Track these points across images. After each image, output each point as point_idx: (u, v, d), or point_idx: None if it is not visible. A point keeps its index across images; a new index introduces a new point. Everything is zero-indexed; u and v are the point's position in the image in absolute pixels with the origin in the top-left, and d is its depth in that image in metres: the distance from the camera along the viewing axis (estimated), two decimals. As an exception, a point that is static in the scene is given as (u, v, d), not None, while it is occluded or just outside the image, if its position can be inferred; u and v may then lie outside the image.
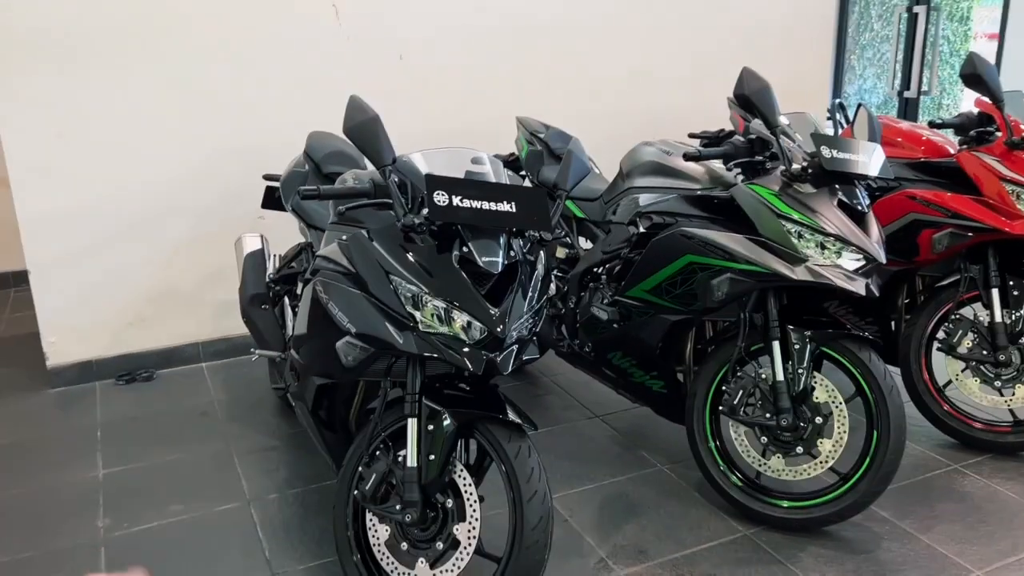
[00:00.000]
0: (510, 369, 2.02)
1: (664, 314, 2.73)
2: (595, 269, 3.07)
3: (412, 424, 2.09)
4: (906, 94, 7.66)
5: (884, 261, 2.45)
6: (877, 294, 2.47)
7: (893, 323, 3.38)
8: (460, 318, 1.97)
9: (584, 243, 3.41)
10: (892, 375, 2.52)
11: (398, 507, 2.10)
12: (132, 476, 3.03)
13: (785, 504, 2.59)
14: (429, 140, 4.18)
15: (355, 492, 2.20)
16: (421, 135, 4.15)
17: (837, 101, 7.58)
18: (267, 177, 3.44)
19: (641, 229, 2.79)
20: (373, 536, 2.20)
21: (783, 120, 2.75)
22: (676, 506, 2.76)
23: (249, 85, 3.83)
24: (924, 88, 7.59)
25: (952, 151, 3.13)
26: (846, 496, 2.52)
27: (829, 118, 7.17)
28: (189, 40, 3.70)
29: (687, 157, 2.57)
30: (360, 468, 2.19)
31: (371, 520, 2.20)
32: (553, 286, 3.39)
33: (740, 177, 2.67)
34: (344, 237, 2.18)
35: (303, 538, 2.63)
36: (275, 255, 3.41)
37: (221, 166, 3.86)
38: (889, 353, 3.31)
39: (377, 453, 2.18)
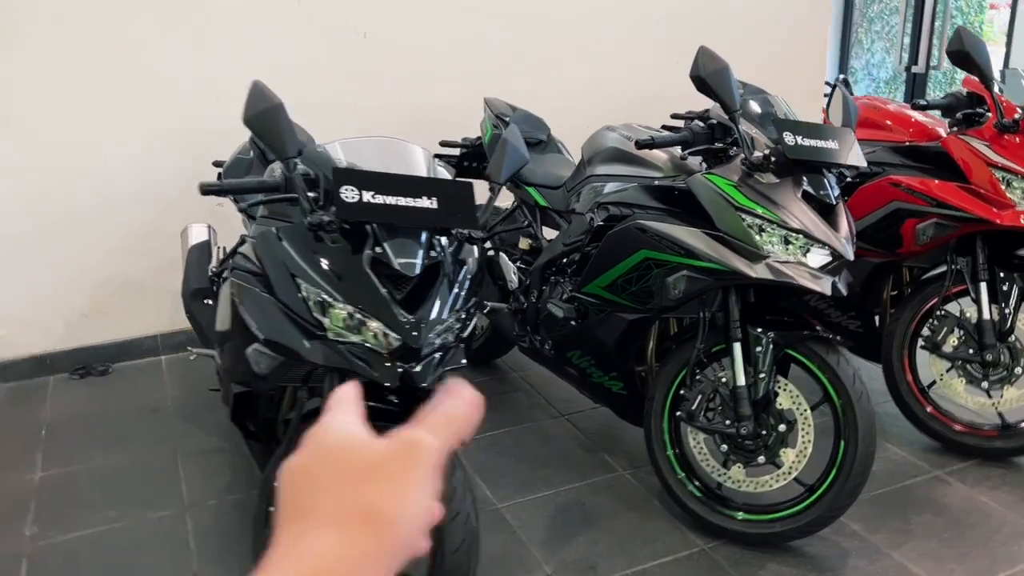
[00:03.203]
0: (428, 381, 1.86)
1: (620, 312, 2.55)
2: (559, 262, 2.90)
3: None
4: (914, 69, 7.37)
5: (852, 258, 2.26)
6: (844, 293, 2.27)
7: (878, 317, 3.18)
8: (372, 326, 1.81)
9: (549, 233, 3.23)
10: (863, 380, 2.33)
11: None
12: (70, 479, 2.90)
13: (739, 516, 2.42)
14: (393, 122, 3.99)
15: (271, 508, 2.04)
16: (385, 117, 3.97)
17: (842, 77, 7.32)
18: (216, 164, 3.27)
19: (598, 221, 2.60)
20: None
21: (755, 107, 2.55)
22: (633, 517, 2.60)
23: (202, 66, 3.65)
24: (933, 63, 7.29)
25: (944, 134, 2.91)
26: (810, 510, 2.34)
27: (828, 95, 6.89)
28: (135, 20, 3.52)
29: (639, 145, 2.38)
30: (274, 484, 2.04)
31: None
32: (516, 279, 3.21)
33: (705, 166, 2.48)
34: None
35: (237, 550, 2.48)
36: (222, 247, 3.25)
37: (175, 152, 3.69)
38: (873, 349, 3.12)
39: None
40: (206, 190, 1.87)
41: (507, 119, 3.41)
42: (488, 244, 3.42)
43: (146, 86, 3.59)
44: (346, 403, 0.53)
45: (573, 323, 2.70)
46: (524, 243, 3.26)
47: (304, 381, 2.05)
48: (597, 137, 2.81)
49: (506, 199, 3.42)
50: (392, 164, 2.04)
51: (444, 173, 2.09)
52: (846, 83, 7.24)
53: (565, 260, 2.84)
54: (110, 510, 2.70)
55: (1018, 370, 2.78)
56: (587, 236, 2.67)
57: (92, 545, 2.52)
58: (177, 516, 2.66)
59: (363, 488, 0.46)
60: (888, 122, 3.14)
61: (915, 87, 7.37)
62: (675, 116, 4.09)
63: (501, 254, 3.30)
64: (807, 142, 2.24)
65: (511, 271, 3.22)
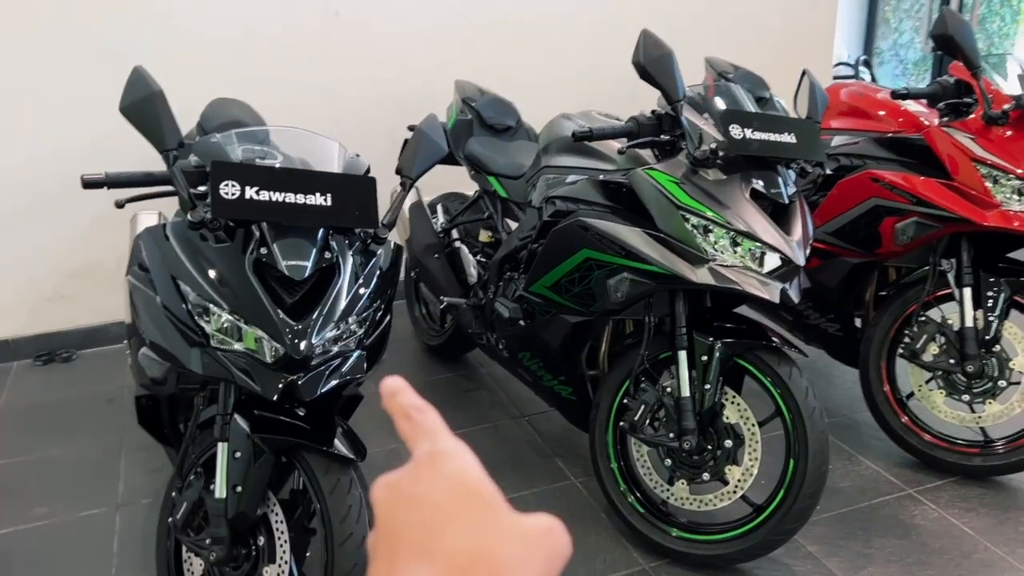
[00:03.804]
0: (318, 393, 1.73)
1: (565, 314, 2.39)
2: (515, 257, 2.74)
3: (222, 449, 1.81)
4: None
5: (803, 263, 2.07)
6: (796, 300, 2.09)
7: (859, 320, 2.98)
8: (254, 334, 1.68)
9: (514, 226, 3.07)
10: (816, 395, 2.15)
11: (208, 541, 1.83)
12: (12, 472, 2.83)
13: (673, 533, 2.26)
14: (366, 103, 3.87)
15: (169, 519, 1.94)
16: (358, 99, 3.84)
17: (863, 57, 6.98)
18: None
19: (545, 216, 2.44)
20: (188, 571, 1.95)
21: (716, 97, 2.36)
22: (577, 530, 2.45)
23: (168, 45, 3.54)
24: (962, 44, 6.92)
25: (935, 125, 2.69)
26: (757, 531, 2.17)
27: (851, 76, 6.59)
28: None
29: (576, 137, 2.20)
30: (173, 493, 1.93)
31: (187, 552, 1.95)
32: (475, 273, 3.07)
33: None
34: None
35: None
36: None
37: (139, 136, 3.59)
38: (853, 353, 2.92)
39: (192, 477, 1.91)
40: (87, 183, 1.75)
41: (474, 103, 3.26)
42: (455, 234, 3.28)
43: (106, 69, 3.49)
44: (437, 423, 0.46)
45: (521, 323, 2.55)
46: (484, 235, 3.11)
47: (202, 387, 1.94)
48: (553, 126, 2.64)
49: (471, 187, 3.28)
50: (299, 158, 1.90)
51: (359, 169, 1.95)
52: (867, 64, 6.91)
53: (520, 256, 2.68)
54: (43, 506, 2.62)
55: (1003, 383, 2.57)
56: (535, 232, 2.51)
57: (17, 543, 2.45)
58: (108, 515, 2.58)
59: (501, 552, 0.40)
60: (878, 112, 2.92)
61: (943, 70, 7.02)
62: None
63: (463, 247, 3.16)
64: (756, 136, 2.05)
65: (471, 265, 3.08)
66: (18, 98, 3.41)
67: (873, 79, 6.71)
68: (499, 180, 2.99)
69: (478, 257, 3.10)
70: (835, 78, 5.72)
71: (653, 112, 2.25)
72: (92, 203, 3.60)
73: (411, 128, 3.35)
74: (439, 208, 3.39)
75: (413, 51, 3.91)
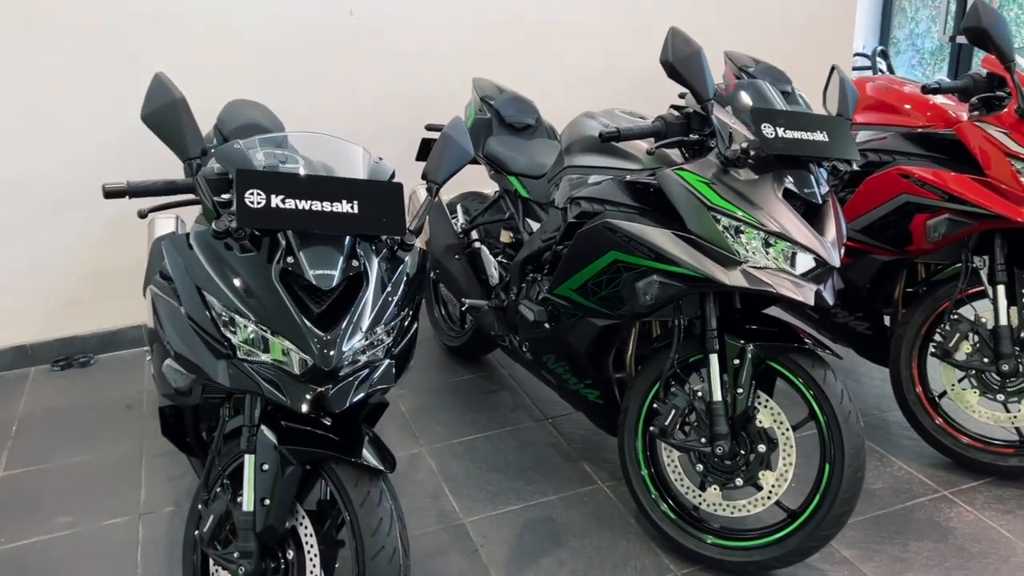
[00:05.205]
0: (347, 405, 1.69)
1: (591, 317, 2.35)
2: (538, 258, 2.70)
3: (249, 461, 1.78)
4: (959, 39, 6.92)
5: (837, 264, 2.02)
6: (831, 302, 2.05)
7: (888, 318, 2.93)
8: (281, 344, 1.64)
9: (535, 226, 3.03)
10: (852, 398, 2.10)
11: (236, 555, 1.80)
12: (32, 480, 2.81)
13: (708, 540, 2.22)
14: (382, 103, 3.84)
15: (196, 532, 1.91)
16: (374, 98, 3.80)
17: (880, 48, 6.89)
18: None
19: (570, 217, 2.39)
20: (216, 584, 1.92)
21: (743, 95, 2.30)
22: (606, 535, 2.42)
23: (181, 47, 3.51)
24: (980, 33, 6.81)
25: (966, 119, 2.63)
26: (792, 538, 2.13)
27: (868, 68, 6.51)
28: (116, 1, 3.39)
29: (603, 137, 2.15)
30: (200, 506, 1.90)
31: (214, 565, 1.92)
32: (496, 274, 3.03)
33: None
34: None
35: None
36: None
37: (157, 140, 3.56)
38: (883, 352, 2.87)
39: (218, 490, 1.88)
40: (109, 192, 1.71)
41: (492, 102, 3.22)
42: (475, 235, 3.24)
43: (120, 72, 3.46)
44: None
45: (546, 326, 2.51)
46: (505, 236, 3.06)
47: (228, 397, 1.91)
48: (575, 125, 2.59)
49: (491, 186, 3.23)
50: (323, 163, 1.86)
51: (384, 174, 1.91)
52: (884, 55, 6.82)
53: (543, 257, 2.64)
54: (64, 515, 2.60)
55: (1039, 381, 2.52)
56: (559, 233, 2.47)
57: (38, 555, 2.43)
58: (131, 524, 2.56)
59: None
60: (905, 106, 2.86)
61: (960, 60, 6.93)
62: (684, 95, 3.84)
63: (483, 247, 3.13)
64: (789, 134, 2.00)
65: (492, 266, 3.05)
66: (35, 102, 3.38)
67: (891, 70, 6.61)
68: (520, 180, 2.95)
69: (499, 258, 3.06)
70: (853, 69, 5.64)
71: (677, 108, 2.20)
72: (108, 207, 3.59)
73: (428, 127, 3.34)
74: (458, 208, 3.35)
75: (429, 49, 3.86)
